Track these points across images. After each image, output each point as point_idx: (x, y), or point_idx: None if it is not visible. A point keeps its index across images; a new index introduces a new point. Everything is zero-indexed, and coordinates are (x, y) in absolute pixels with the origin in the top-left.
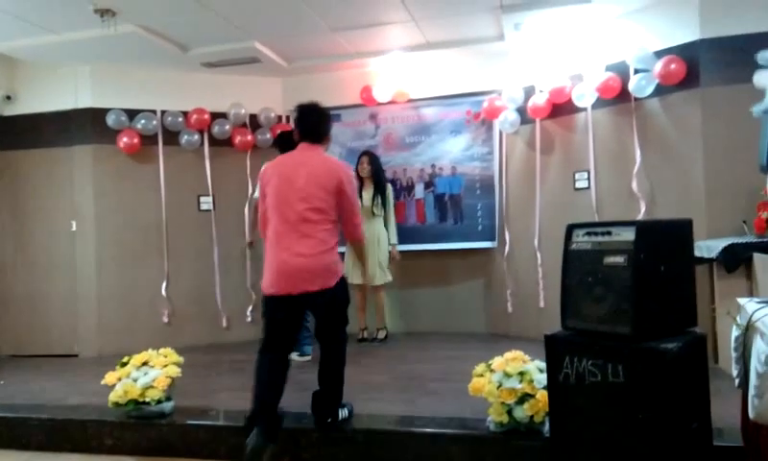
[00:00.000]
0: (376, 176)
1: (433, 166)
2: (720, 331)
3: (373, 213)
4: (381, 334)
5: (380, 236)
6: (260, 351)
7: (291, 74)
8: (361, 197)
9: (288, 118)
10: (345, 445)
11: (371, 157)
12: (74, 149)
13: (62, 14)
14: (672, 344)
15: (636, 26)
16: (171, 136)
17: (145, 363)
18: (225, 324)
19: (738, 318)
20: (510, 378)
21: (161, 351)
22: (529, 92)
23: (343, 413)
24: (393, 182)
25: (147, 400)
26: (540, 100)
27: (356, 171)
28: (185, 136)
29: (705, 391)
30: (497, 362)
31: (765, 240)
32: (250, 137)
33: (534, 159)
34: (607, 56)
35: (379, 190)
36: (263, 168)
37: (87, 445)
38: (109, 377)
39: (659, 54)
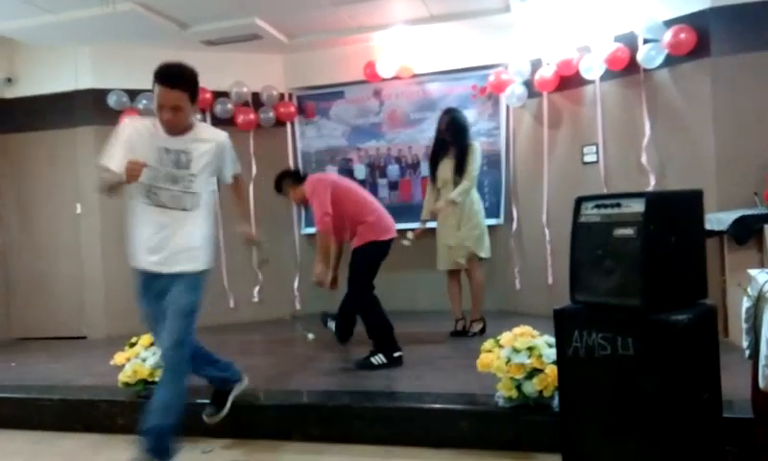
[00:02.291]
0: (456, 137)
1: None
2: (730, 304)
3: (455, 183)
4: (476, 327)
5: (472, 206)
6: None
7: (293, 50)
8: (438, 166)
9: (290, 96)
10: (354, 421)
11: (448, 115)
12: (76, 130)
13: None
14: (682, 316)
15: None
16: None
17: (153, 343)
18: (232, 304)
19: (749, 289)
20: (518, 354)
21: None
22: (536, 65)
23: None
24: (398, 160)
25: (156, 379)
26: (547, 73)
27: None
28: None
29: (715, 363)
30: (506, 338)
31: None
32: (252, 116)
33: (541, 134)
34: (615, 26)
35: (460, 154)
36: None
37: (99, 424)
38: (118, 358)
39: (668, 23)
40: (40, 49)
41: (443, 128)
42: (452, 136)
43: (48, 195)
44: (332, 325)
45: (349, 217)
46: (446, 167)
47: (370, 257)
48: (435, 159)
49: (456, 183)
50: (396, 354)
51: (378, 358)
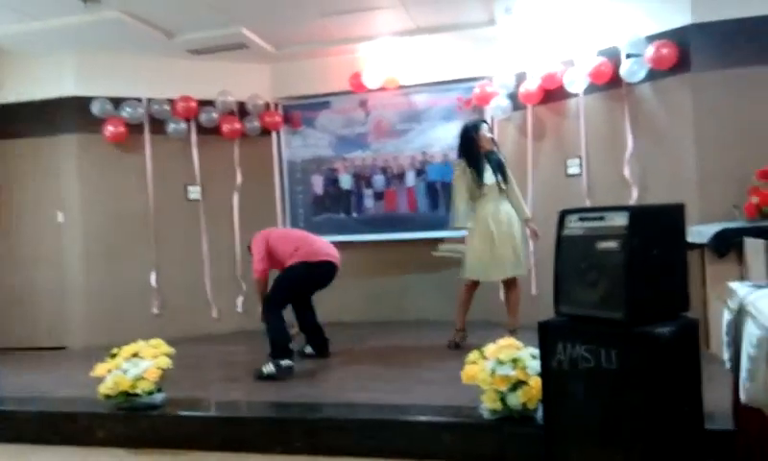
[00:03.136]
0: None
1: (424, 153)
2: (711, 316)
3: (501, 189)
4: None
5: (511, 217)
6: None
7: (279, 60)
8: (483, 174)
9: (276, 106)
10: (337, 434)
11: (482, 127)
12: (59, 138)
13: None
14: (665, 329)
15: (629, 10)
16: (157, 125)
17: (135, 354)
18: (215, 314)
19: (729, 302)
20: (503, 365)
21: (151, 341)
22: (520, 78)
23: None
24: (383, 171)
25: (138, 391)
26: (531, 86)
27: (473, 145)
28: (172, 125)
29: (697, 375)
30: (490, 349)
31: (756, 225)
32: (238, 125)
33: (525, 146)
34: (599, 40)
35: (500, 161)
36: None
37: (78, 437)
38: (99, 369)
39: (651, 38)
40: (24, 56)
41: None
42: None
43: (29, 203)
44: (308, 348)
45: (283, 258)
46: (489, 173)
47: (294, 273)
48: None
49: (500, 190)
50: (286, 363)
51: (270, 366)
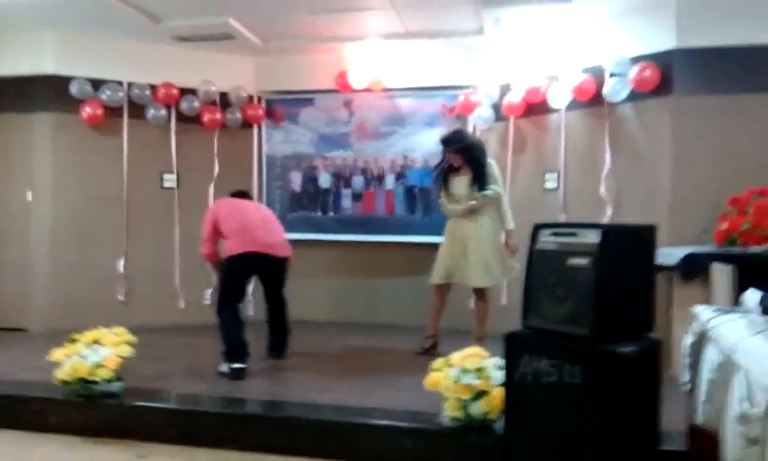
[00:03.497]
0: (471, 156)
1: (405, 158)
2: (675, 339)
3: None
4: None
5: (481, 230)
6: None
7: (265, 54)
8: (449, 184)
9: (259, 99)
10: (295, 434)
11: (465, 139)
12: (33, 116)
13: None
14: (629, 348)
15: (616, 30)
16: (137, 110)
17: (96, 341)
18: (182, 305)
19: (693, 325)
20: (466, 374)
21: (114, 329)
22: (505, 89)
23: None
24: (363, 172)
25: (96, 379)
26: (515, 98)
27: (442, 159)
28: (152, 111)
29: (656, 395)
30: (456, 357)
31: (724, 251)
32: (219, 116)
33: (506, 158)
34: (584, 58)
35: (478, 174)
36: None
37: (29, 422)
38: (57, 354)
39: (635, 60)
40: (2, 30)
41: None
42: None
43: None
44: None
45: (225, 239)
46: (460, 184)
47: (230, 265)
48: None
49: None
50: (236, 366)
51: (224, 367)
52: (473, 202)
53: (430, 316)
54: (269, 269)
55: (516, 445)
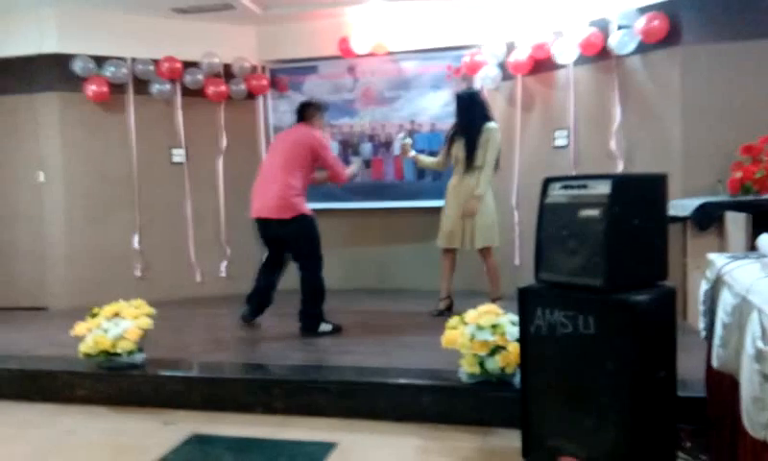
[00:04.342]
0: (466, 120)
1: (412, 122)
2: (691, 288)
3: (468, 166)
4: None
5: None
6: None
7: (266, 22)
8: (454, 144)
9: (263, 69)
10: (317, 395)
11: (458, 99)
12: (38, 96)
13: None
14: (642, 296)
15: None
16: (141, 85)
17: (116, 314)
18: (199, 278)
19: (708, 272)
20: (482, 331)
21: (133, 302)
22: (510, 48)
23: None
24: (371, 138)
25: (118, 351)
26: (521, 55)
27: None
28: (156, 86)
29: (672, 342)
30: (471, 315)
31: (737, 199)
32: (223, 88)
33: (514, 117)
34: (590, 11)
35: (471, 137)
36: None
37: (58, 395)
38: (79, 329)
39: (642, 10)
40: (2, 10)
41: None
42: (462, 123)
43: (8, 162)
44: (325, 326)
45: None
46: (458, 147)
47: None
48: (452, 138)
49: (468, 166)
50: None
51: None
52: (474, 199)
53: (441, 278)
54: (270, 236)
55: (533, 397)
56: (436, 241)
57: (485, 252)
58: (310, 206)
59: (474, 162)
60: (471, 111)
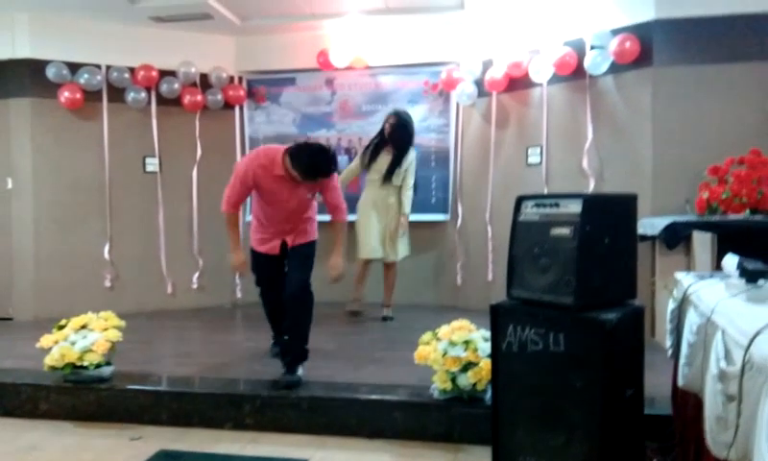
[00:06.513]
0: (401, 139)
1: None
2: (658, 306)
3: (386, 180)
4: (387, 312)
5: (395, 209)
6: None
7: (245, 33)
8: (376, 160)
9: (240, 79)
10: (288, 410)
11: (397, 119)
12: (10, 102)
13: None
14: (612, 314)
15: (596, 2)
16: (116, 93)
17: (84, 326)
18: (170, 290)
19: (675, 291)
20: (455, 347)
21: (101, 314)
22: (487, 65)
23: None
24: (347, 151)
25: (85, 364)
26: (497, 73)
27: (382, 130)
28: (132, 94)
29: (640, 361)
30: (443, 331)
31: (704, 219)
32: (200, 98)
33: (489, 133)
34: (565, 31)
35: (400, 156)
36: None
37: (21, 409)
38: (45, 340)
39: (615, 32)
40: None
41: (388, 130)
42: (397, 140)
43: None
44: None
45: None
46: (384, 161)
47: None
48: (376, 150)
49: (385, 180)
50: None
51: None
52: (404, 217)
53: (358, 283)
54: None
55: (504, 414)
56: (357, 253)
57: (392, 263)
58: None
59: (392, 179)
60: (407, 132)
